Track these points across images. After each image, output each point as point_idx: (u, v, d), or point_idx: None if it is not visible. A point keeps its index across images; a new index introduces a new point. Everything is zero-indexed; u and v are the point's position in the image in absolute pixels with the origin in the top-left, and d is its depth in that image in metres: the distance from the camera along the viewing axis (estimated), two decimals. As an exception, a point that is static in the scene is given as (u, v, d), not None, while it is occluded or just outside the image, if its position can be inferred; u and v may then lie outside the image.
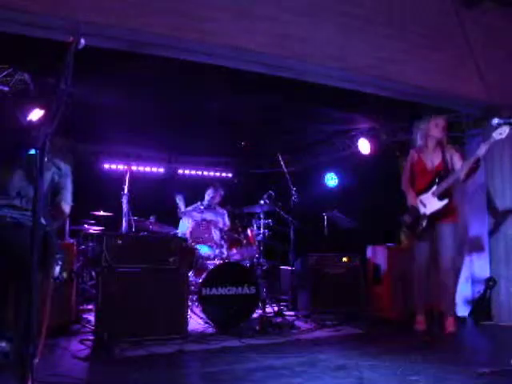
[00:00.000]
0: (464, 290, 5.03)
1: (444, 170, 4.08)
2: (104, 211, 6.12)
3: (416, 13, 4.35)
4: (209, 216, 5.48)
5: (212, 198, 5.77)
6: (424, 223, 4.10)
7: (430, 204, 4.09)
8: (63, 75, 1.78)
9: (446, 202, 3.99)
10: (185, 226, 5.61)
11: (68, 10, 3.09)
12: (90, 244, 5.82)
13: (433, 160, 4.21)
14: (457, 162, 4.07)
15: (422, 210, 4.14)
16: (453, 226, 4.09)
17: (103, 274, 3.75)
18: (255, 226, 5.07)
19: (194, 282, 4.49)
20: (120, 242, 3.87)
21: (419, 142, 4.31)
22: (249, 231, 4.98)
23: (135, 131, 6.34)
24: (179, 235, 5.41)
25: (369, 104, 5.12)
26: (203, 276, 4.34)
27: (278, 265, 6.30)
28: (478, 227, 5.08)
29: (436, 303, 4.41)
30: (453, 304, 4.11)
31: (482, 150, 3.67)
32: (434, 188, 4.07)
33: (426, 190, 4.15)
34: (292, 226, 5.20)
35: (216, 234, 5.30)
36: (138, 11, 3.32)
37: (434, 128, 4.20)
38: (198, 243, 5.04)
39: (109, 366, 3.12)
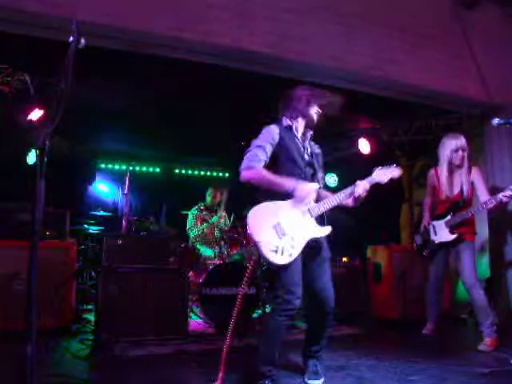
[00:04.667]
0: (464, 290, 5.02)
1: (462, 201, 3.83)
2: (104, 211, 6.12)
3: (416, 13, 4.35)
4: (210, 216, 5.49)
5: (213, 197, 5.77)
6: (430, 249, 4.00)
7: (441, 233, 3.92)
8: (63, 75, 1.78)
9: (455, 236, 3.79)
10: (191, 223, 5.61)
11: (68, 10, 3.09)
12: (90, 244, 5.82)
13: (452, 187, 3.92)
14: (481, 191, 3.77)
15: (432, 236, 3.99)
16: (468, 244, 3.83)
17: (103, 273, 3.75)
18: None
19: (194, 282, 4.48)
20: (120, 241, 3.87)
21: (440, 162, 3.97)
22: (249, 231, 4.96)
23: (135, 131, 6.34)
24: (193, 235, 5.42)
25: (369, 104, 5.11)
26: (203, 276, 4.34)
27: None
28: (479, 227, 5.07)
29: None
30: (484, 321, 3.67)
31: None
32: (448, 218, 3.86)
33: (441, 216, 3.95)
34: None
35: (217, 235, 5.29)
36: (138, 11, 3.33)
37: (449, 149, 3.88)
38: (202, 244, 5.04)
39: (109, 366, 3.12)
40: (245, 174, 2.54)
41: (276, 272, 2.51)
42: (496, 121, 2.88)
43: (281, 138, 2.63)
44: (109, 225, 6.06)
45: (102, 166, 7.79)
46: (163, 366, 3.09)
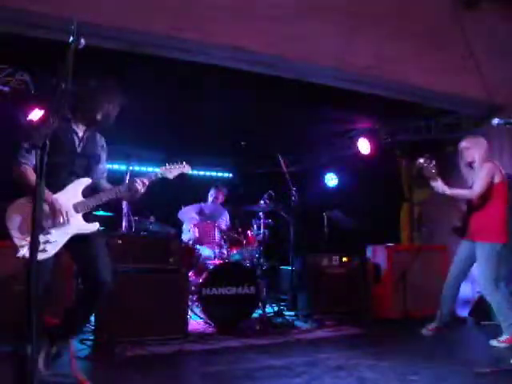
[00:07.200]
0: (464, 290, 5.02)
1: None
2: (104, 211, 6.11)
3: (416, 13, 4.35)
4: (211, 216, 5.49)
5: (215, 198, 5.77)
6: None
7: None
8: (63, 75, 1.78)
9: None
10: (187, 230, 5.57)
11: (68, 10, 3.09)
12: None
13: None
14: None
15: None
16: None
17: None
18: (255, 226, 5.07)
19: (194, 282, 4.48)
20: (120, 242, 3.87)
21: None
22: (249, 231, 4.98)
23: (135, 131, 6.34)
24: (185, 240, 5.32)
25: (369, 104, 5.11)
26: (203, 276, 4.34)
27: (278, 265, 6.30)
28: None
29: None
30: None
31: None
32: None
33: None
34: (292, 225, 5.20)
35: (217, 235, 5.28)
36: (138, 11, 3.33)
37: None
38: (202, 244, 5.03)
39: (109, 366, 3.11)
40: None
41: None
42: (496, 121, 2.88)
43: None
44: (109, 225, 6.05)
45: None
46: (163, 366, 3.09)
